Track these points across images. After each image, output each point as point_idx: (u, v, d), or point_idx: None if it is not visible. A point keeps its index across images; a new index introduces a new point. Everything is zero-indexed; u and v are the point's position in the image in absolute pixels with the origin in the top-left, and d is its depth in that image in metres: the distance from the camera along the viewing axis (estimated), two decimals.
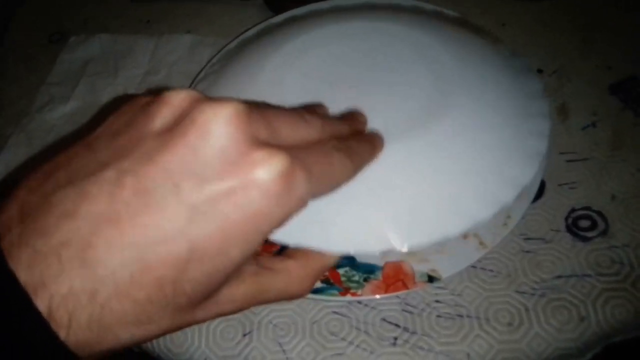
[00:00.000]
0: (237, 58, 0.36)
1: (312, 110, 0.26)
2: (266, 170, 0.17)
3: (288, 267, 0.23)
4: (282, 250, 0.25)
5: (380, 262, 0.29)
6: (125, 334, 0.17)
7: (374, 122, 0.27)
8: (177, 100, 0.18)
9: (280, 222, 0.18)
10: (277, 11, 0.45)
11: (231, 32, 0.43)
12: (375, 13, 0.35)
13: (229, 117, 0.17)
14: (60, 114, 0.43)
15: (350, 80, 0.30)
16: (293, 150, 0.18)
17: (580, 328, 0.28)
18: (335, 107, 0.28)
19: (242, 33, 0.40)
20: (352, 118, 0.26)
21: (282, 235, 0.23)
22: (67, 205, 0.16)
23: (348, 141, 0.22)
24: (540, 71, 0.39)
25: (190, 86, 0.37)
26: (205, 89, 0.35)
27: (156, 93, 0.19)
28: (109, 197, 0.16)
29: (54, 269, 0.15)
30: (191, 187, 0.16)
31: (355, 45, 0.32)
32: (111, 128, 0.19)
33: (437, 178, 0.26)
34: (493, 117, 0.28)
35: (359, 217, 0.25)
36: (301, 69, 0.31)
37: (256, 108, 0.18)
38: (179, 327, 0.18)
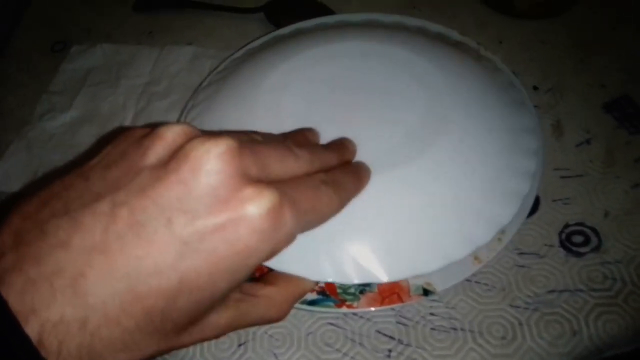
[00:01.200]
0: (232, 77, 0.36)
1: (301, 138, 0.27)
2: (255, 206, 0.17)
3: (269, 294, 0.24)
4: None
5: None
6: None
7: (365, 148, 0.27)
8: (171, 135, 0.18)
9: (268, 257, 0.19)
10: (277, 24, 0.46)
11: (232, 44, 0.44)
12: (373, 33, 0.36)
13: (221, 154, 0.18)
14: (61, 122, 0.43)
15: (343, 104, 0.31)
16: (282, 186, 0.19)
17: (572, 342, 0.29)
18: (328, 128, 0.28)
19: (242, 47, 0.41)
20: (342, 147, 0.26)
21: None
22: (61, 235, 0.17)
23: (335, 174, 0.23)
24: (535, 88, 0.40)
25: (185, 105, 0.38)
26: (201, 109, 0.35)
27: (152, 126, 0.19)
28: (103, 228, 0.17)
29: (46, 297, 0.16)
30: (183, 223, 0.17)
31: (349, 66, 0.33)
32: (106, 159, 0.19)
33: (419, 212, 0.27)
34: (482, 151, 0.29)
35: (340, 247, 0.26)
36: (297, 89, 0.32)
37: (247, 144, 0.19)
38: (165, 351, 0.19)
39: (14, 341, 0.15)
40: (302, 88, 0.32)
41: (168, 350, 0.19)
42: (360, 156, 0.27)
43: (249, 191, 0.18)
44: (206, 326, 0.20)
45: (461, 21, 0.45)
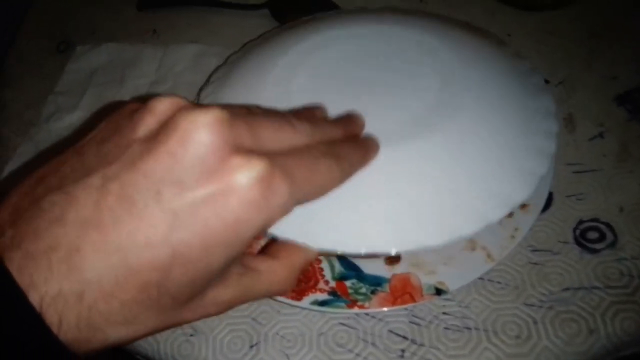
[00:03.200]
0: (246, 58, 0.36)
1: (307, 113, 0.26)
2: (244, 176, 0.17)
3: (272, 267, 0.23)
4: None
5: (387, 274, 0.29)
6: (113, 333, 0.17)
7: (378, 122, 0.26)
8: (160, 107, 0.18)
9: (262, 228, 0.18)
10: (283, 21, 0.45)
11: (237, 42, 0.43)
12: (384, 17, 0.35)
13: (210, 124, 0.17)
14: (67, 123, 0.43)
15: (357, 81, 0.30)
16: (275, 156, 0.18)
17: (589, 341, 0.28)
18: (341, 107, 0.27)
19: (249, 41, 0.41)
20: (348, 121, 0.26)
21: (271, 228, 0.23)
22: (56, 210, 0.17)
23: (337, 146, 0.22)
24: (546, 82, 0.39)
25: (201, 86, 0.37)
26: (214, 91, 0.35)
27: (144, 100, 0.19)
28: (95, 203, 0.17)
29: (44, 272, 0.16)
30: (172, 194, 0.17)
31: (363, 47, 0.32)
32: (100, 135, 0.19)
33: (429, 185, 0.26)
34: (499, 118, 0.28)
35: (348, 217, 0.25)
36: (309, 69, 0.31)
37: (240, 114, 0.19)
38: (167, 327, 0.19)
39: (19, 311, 0.15)
40: (314, 69, 0.31)
41: (172, 325, 0.19)
42: (373, 130, 0.26)
43: (237, 160, 0.17)
44: (208, 302, 0.20)
45: (469, 14, 0.44)
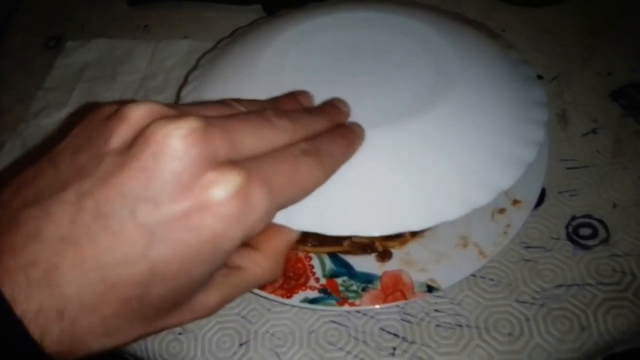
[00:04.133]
0: (233, 46, 0.35)
1: (290, 103, 0.25)
2: (219, 191, 0.17)
3: (256, 260, 0.23)
4: None
5: (378, 272, 0.29)
6: (96, 345, 0.17)
7: (366, 109, 0.26)
8: (135, 116, 0.18)
9: (243, 240, 0.18)
10: (270, 13, 0.45)
11: None
12: (376, 5, 0.35)
13: (184, 137, 0.17)
14: (56, 119, 0.43)
15: (347, 68, 0.30)
16: (253, 164, 0.18)
17: (581, 338, 0.28)
18: (330, 93, 0.27)
19: (239, 28, 0.40)
20: (332, 109, 0.25)
21: None
22: (32, 226, 0.16)
23: (319, 142, 0.22)
24: (540, 77, 0.39)
25: (189, 70, 0.36)
26: (201, 76, 0.34)
27: (120, 103, 0.19)
28: (70, 219, 0.16)
29: (24, 288, 0.16)
30: (147, 211, 0.16)
31: (354, 34, 0.32)
32: (74, 143, 0.19)
33: (413, 169, 0.25)
34: (489, 104, 0.28)
35: (331, 199, 0.24)
36: (300, 55, 0.31)
37: (216, 121, 0.18)
38: (152, 333, 0.19)
39: (3, 322, 0.15)
40: (305, 55, 0.31)
41: (157, 331, 0.19)
42: (361, 115, 0.26)
43: (212, 175, 0.17)
44: (195, 306, 0.20)
45: (464, 9, 0.44)
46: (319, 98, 0.27)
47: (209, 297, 0.20)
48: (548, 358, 0.28)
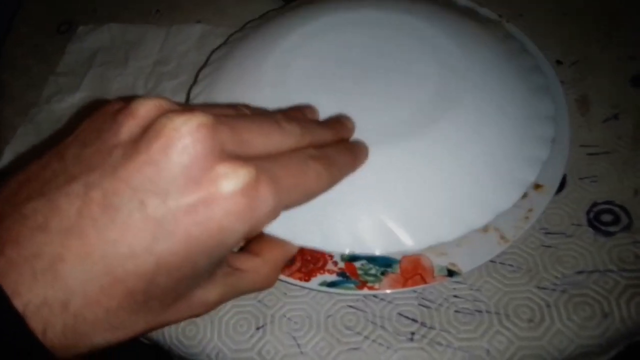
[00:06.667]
0: (246, 40, 0.35)
1: (297, 114, 0.26)
2: (228, 185, 0.17)
3: (256, 266, 0.24)
4: None
5: (397, 256, 0.29)
6: (99, 339, 0.17)
7: (373, 119, 0.27)
8: (143, 111, 0.18)
9: (247, 235, 0.18)
10: (288, 0, 0.44)
11: (242, 22, 0.42)
12: (387, 3, 0.34)
13: (193, 130, 0.17)
14: (69, 104, 0.42)
15: (354, 70, 0.30)
16: (261, 162, 0.18)
17: (603, 325, 0.28)
18: (335, 99, 0.27)
19: (250, 21, 0.40)
20: (338, 124, 0.25)
21: None
22: (39, 218, 0.16)
23: (327, 150, 0.22)
24: (559, 62, 0.38)
25: (200, 68, 0.36)
26: (211, 74, 0.34)
27: (128, 99, 0.19)
28: (77, 211, 0.16)
29: (28, 280, 0.16)
30: (155, 204, 0.16)
31: (363, 34, 0.32)
32: (81, 137, 0.19)
33: (419, 184, 0.26)
34: (499, 115, 0.28)
35: (332, 214, 0.25)
36: (306, 57, 0.31)
37: (225, 118, 0.18)
38: (153, 329, 0.19)
39: (3, 315, 0.15)
40: (313, 56, 0.31)
41: (157, 327, 0.19)
42: (368, 127, 0.26)
43: (222, 169, 0.17)
44: (194, 302, 0.20)
45: None
46: (322, 104, 0.27)
47: (209, 294, 0.20)
48: (569, 344, 0.27)
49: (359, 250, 0.25)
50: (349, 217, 0.25)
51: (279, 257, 0.25)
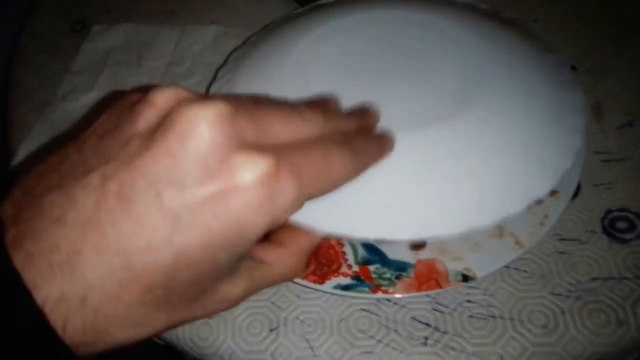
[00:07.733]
0: (263, 42, 0.35)
1: (319, 103, 0.25)
2: (246, 175, 0.16)
3: (281, 257, 0.23)
4: None
5: (412, 260, 0.29)
6: (121, 336, 0.17)
7: (396, 111, 0.26)
8: (160, 100, 0.17)
9: (268, 228, 0.17)
10: (303, 3, 0.44)
11: (256, 23, 0.42)
12: (408, 2, 0.34)
13: (211, 119, 0.16)
14: (83, 103, 0.43)
15: (377, 67, 0.30)
16: (282, 151, 0.17)
17: (618, 332, 0.28)
18: (359, 94, 0.26)
19: (269, 23, 0.40)
20: (362, 113, 0.24)
21: None
22: (57, 210, 0.16)
23: (352, 138, 0.21)
24: (573, 68, 0.38)
25: (218, 67, 0.36)
26: (230, 72, 0.34)
27: (147, 89, 0.18)
28: (94, 204, 0.16)
29: (46, 273, 0.15)
30: (172, 195, 0.16)
31: (384, 32, 0.31)
32: (100, 128, 0.18)
33: (445, 175, 0.25)
34: (524, 109, 0.27)
35: (357, 201, 0.24)
36: (328, 54, 0.30)
37: (244, 106, 0.18)
38: (178, 324, 0.18)
39: (25, 311, 0.15)
40: (333, 54, 0.30)
41: (182, 323, 0.19)
42: (391, 117, 0.25)
43: (240, 158, 0.16)
44: (219, 297, 0.19)
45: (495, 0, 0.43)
46: (346, 101, 0.26)
47: (233, 288, 0.20)
48: (584, 351, 0.27)
49: (386, 236, 0.24)
50: (376, 203, 0.24)
51: (305, 246, 0.24)
